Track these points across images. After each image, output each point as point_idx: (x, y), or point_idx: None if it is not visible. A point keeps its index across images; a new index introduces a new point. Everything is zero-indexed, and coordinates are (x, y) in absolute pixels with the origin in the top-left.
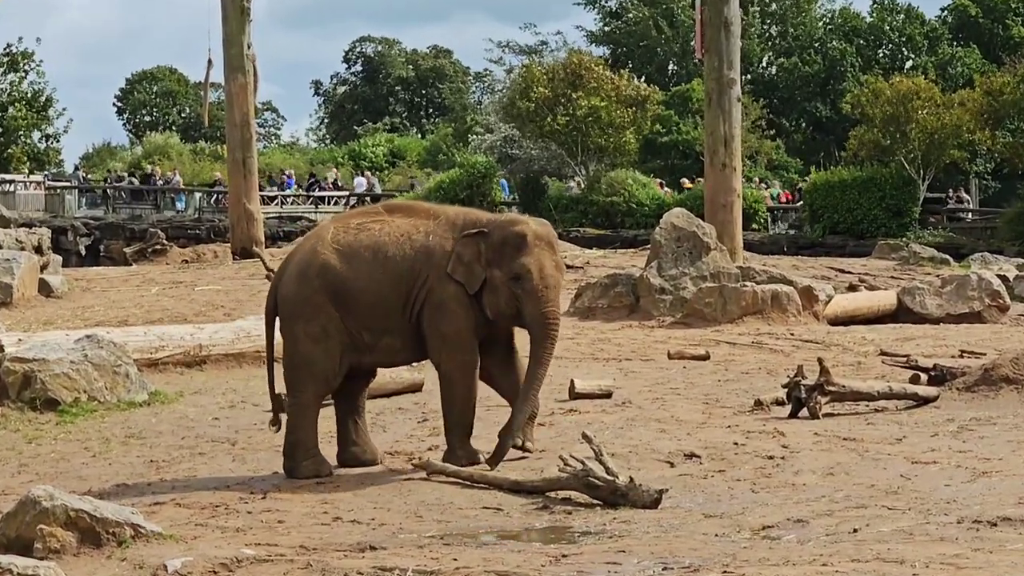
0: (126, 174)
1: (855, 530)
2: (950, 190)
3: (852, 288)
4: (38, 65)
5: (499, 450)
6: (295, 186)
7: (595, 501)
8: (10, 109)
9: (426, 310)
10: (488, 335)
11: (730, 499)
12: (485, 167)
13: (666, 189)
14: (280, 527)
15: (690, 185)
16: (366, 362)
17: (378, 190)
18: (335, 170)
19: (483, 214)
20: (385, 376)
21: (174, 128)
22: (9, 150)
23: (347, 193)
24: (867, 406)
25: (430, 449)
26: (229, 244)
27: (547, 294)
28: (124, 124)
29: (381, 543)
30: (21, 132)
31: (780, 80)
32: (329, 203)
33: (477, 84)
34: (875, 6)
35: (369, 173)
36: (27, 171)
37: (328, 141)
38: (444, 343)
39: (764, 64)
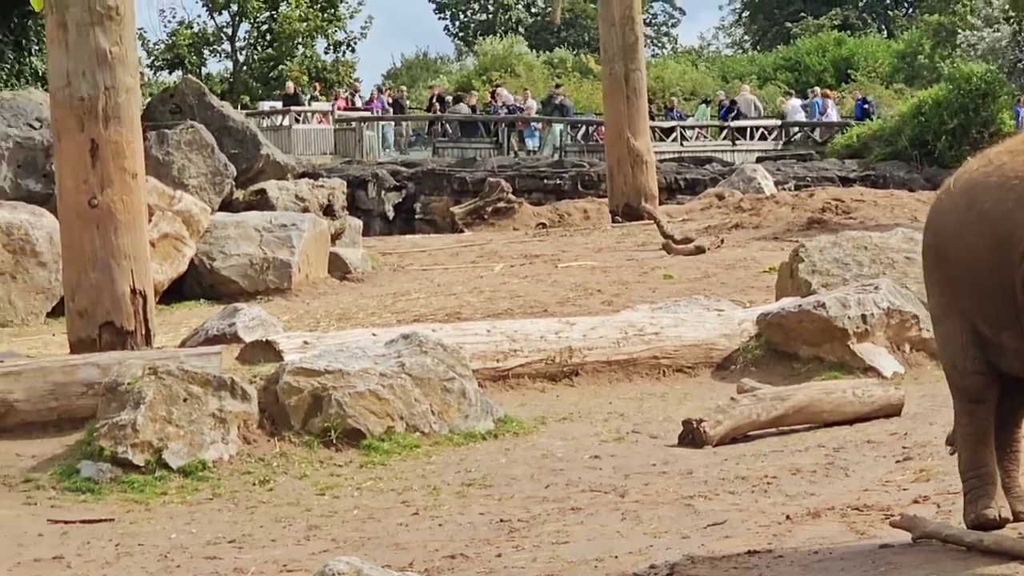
0: (450, 98)
1: None
2: None
3: None
4: None
5: None
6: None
7: None
8: (282, 6)
9: None
10: None
11: None
12: (985, 81)
13: None
14: None
15: None
16: (1004, 367)
17: (834, 116)
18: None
19: None
20: (846, 395)
21: (519, 30)
22: (282, 66)
23: (778, 123)
24: None
25: (915, 502)
26: (606, 199)
27: None
28: (447, 28)
29: None
30: (299, 40)
31: None
32: (751, 137)
33: None
34: None
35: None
36: (308, 96)
37: (748, 46)
38: None
39: None
